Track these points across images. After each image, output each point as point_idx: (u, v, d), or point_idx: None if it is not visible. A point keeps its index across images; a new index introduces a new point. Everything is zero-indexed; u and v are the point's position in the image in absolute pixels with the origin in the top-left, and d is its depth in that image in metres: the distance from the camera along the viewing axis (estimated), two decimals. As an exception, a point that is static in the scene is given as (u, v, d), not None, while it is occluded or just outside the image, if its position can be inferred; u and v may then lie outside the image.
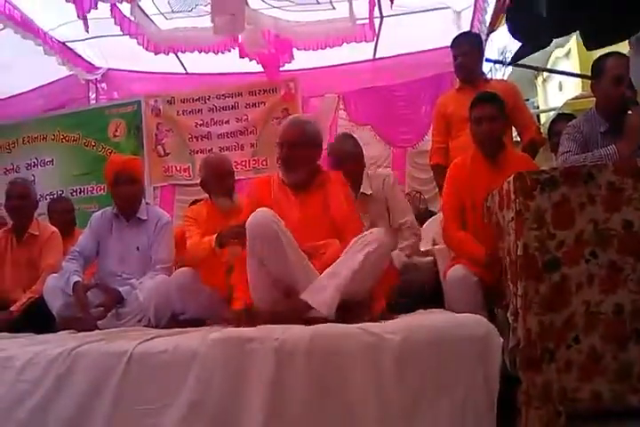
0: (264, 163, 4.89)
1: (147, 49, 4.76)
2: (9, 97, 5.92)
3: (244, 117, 5.01)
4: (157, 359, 1.74)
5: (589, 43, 1.73)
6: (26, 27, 4.77)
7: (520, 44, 1.81)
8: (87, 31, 4.27)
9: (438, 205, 3.57)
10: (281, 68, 4.86)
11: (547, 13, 1.55)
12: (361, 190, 2.80)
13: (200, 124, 5.14)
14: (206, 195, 2.98)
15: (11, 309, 2.83)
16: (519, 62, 6.97)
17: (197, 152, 5.10)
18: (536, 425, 1.59)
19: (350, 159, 2.83)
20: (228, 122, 5.06)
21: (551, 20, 1.57)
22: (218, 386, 1.67)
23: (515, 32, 1.79)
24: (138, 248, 2.79)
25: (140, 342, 1.82)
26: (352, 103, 4.93)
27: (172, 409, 1.67)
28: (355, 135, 3.12)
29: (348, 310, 1.99)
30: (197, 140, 5.15)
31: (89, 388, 1.75)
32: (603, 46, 1.83)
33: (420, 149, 4.79)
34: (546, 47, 1.83)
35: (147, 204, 2.95)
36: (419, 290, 2.51)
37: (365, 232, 2.15)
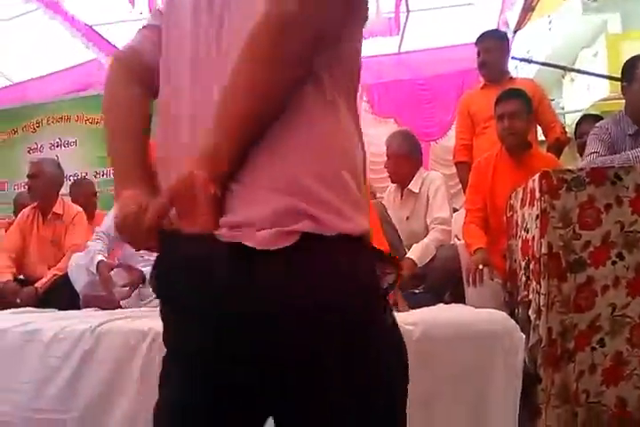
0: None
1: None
2: (34, 78, 6.00)
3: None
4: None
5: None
6: (54, 9, 4.83)
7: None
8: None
9: (461, 201, 3.58)
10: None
11: None
12: (408, 187, 2.89)
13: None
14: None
15: (35, 285, 2.89)
16: (546, 62, 6.91)
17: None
18: (554, 425, 1.61)
19: (397, 158, 2.91)
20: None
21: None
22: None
23: None
24: None
25: (165, 322, 1.86)
26: (375, 96, 4.92)
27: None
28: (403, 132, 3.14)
29: None
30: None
31: (115, 364, 1.79)
32: None
33: (442, 144, 4.78)
34: None
35: None
36: (441, 284, 2.54)
37: None
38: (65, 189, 3.64)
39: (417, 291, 2.53)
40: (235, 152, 0.70)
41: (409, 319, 1.74)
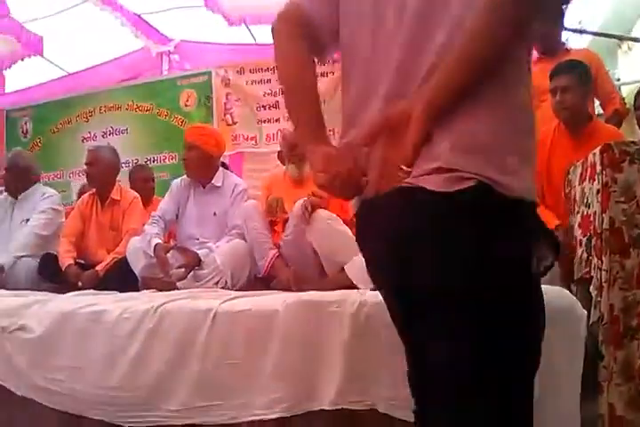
0: (331, 133, 4.86)
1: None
2: (86, 69, 6.17)
3: (314, 87, 5.01)
4: (241, 317, 1.83)
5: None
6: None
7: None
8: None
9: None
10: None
11: None
12: None
13: (268, 94, 5.16)
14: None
15: (96, 268, 2.99)
16: (599, 32, 6.59)
17: (265, 121, 5.13)
18: (617, 402, 1.58)
19: None
20: (296, 91, 5.06)
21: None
22: (298, 346, 1.75)
23: None
24: (215, 213, 2.90)
25: (224, 301, 1.92)
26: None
27: (258, 365, 1.76)
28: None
29: None
30: (265, 109, 5.18)
31: (178, 343, 1.86)
32: None
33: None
34: None
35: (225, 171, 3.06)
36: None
37: None
38: (120, 176, 3.74)
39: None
40: (448, 101, 0.82)
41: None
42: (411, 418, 1.61)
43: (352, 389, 1.67)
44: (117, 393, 1.90)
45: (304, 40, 1.01)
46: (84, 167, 3.39)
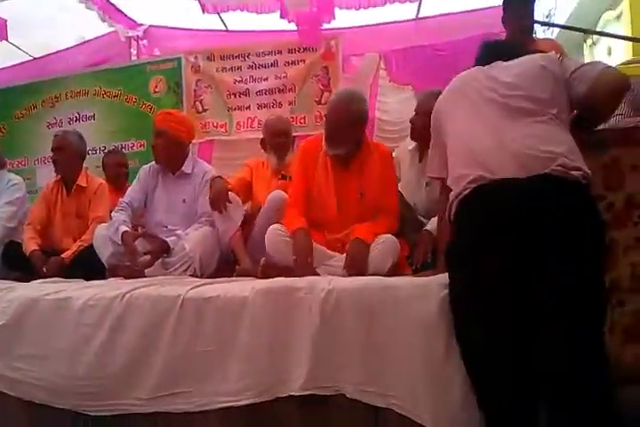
0: (302, 120, 4.84)
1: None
2: (52, 53, 6.01)
3: (283, 75, 4.95)
4: (210, 304, 1.83)
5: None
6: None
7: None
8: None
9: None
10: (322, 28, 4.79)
11: None
12: None
13: (239, 81, 5.12)
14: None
15: (62, 255, 2.94)
16: (566, 25, 6.69)
17: (235, 109, 5.09)
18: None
19: (427, 116, 2.79)
20: (266, 79, 5.01)
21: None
22: (267, 332, 1.76)
23: None
24: (184, 200, 2.87)
25: (191, 288, 1.91)
26: (393, 63, 4.81)
27: (227, 352, 1.76)
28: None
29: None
30: (236, 96, 5.14)
31: (145, 331, 1.86)
32: None
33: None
34: None
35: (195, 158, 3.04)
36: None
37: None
38: (87, 163, 3.66)
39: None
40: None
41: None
42: (377, 403, 1.66)
43: (321, 374, 1.68)
44: (84, 382, 1.89)
45: None
46: (50, 154, 3.32)
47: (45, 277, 2.68)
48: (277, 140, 2.98)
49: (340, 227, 2.37)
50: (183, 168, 2.91)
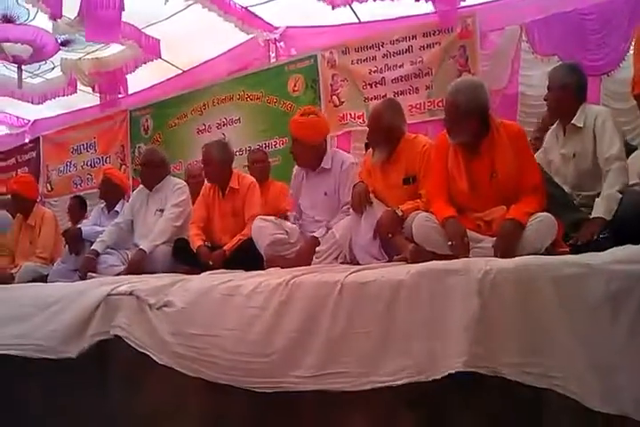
0: (439, 104, 4.70)
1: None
2: (198, 65, 6.51)
3: (419, 60, 4.89)
4: (367, 288, 1.88)
5: None
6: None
7: None
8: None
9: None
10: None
11: None
12: (572, 121, 2.65)
13: (374, 71, 5.14)
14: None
15: (224, 248, 3.19)
16: None
17: (372, 99, 5.11)
18: None
19: (560, 91, 2.71)
20: (402, 66, 4.98)
21: None
22: (424, 313, 1.76)
23: None
24: (325, 193, 3.00)
25: (349, 273, 1.98)
26: (536, 33, 4.50)
27: (385, 333, 1.80)
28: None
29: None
30: (371, 86, 5.17)
31: (307, 313, 1.94)
32: None
33: (615, 76, 4.29)
34: None
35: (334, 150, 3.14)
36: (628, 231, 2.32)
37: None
38: (237, 163, 3.87)
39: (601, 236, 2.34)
40: None
41: (597, 259, 1.66)
42: (540, 384, 1.59)
43: (480, 354, 1.65)
44: (249, 359, 2.01)
45: None
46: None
47: (212, 270, 2.92)
48: (377, 134, 2.84)
49: (475, 210, 2.38)
50: (322, 164, 3.02)
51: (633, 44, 3.20)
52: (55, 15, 4.93)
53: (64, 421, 2.50)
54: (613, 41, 4.23)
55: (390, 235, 2.55)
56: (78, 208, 5.56)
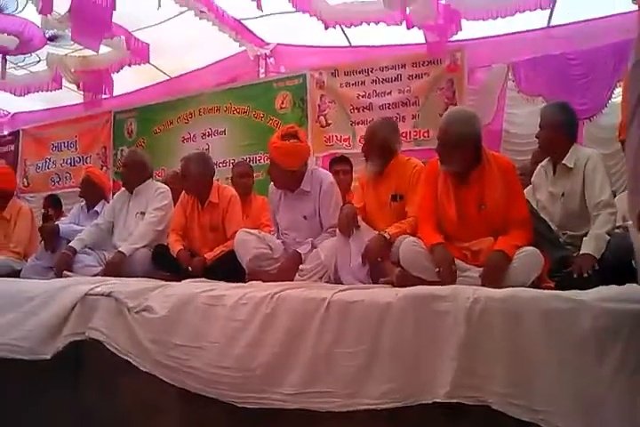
0: (425, 134, 4.85)
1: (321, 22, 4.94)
2: (187, 73, 6.50)
3: (407, 89, 5.00)
4: (354, 307, 1.88)
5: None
6: (208, 6, 5.19)
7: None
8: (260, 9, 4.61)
9: (621, 183, 3.34)
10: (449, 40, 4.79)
11: None
12: (563, 161, 2.69)
13: (362, 96, 5.23)
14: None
15: (205, 255, 3.14)
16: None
17: (358, 123, 5.20)
18: None
19: (552, 129, 2.75)
20: (390, 93, 5.09)
21: None
22: (411, 338, 1.77)
23: None
24: (305, 217, 2.95)
25: (337, 291, 1.98)
26: (522, 73, 4.68)
27: (371, 354, 1.80)
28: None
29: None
30: (359, 111, 5.25)
31: (293, 328, 1.94)
32: None
33: (597, 122, 4.46)
34: None
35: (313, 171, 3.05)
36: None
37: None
38: (218, 175, 3.81)
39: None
40: None
41: (585, 295, 1.70)
42: (524, 417, 1.61)
43: (466, 383, 1.67)
44: (232, 373, 1.99)
45: None
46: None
47: (192, 277, 2.89)
48: (374, 148, 2.92)
49: (462, 239, 2.40)
50: (302, 186, 2.95)
51: (621, 89, 3.30)
52: (45, 11, 4.85)
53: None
54: (597, 87, 4.41)
55: (380, 259, 2.57)
56: (53, 207, 5.45)
